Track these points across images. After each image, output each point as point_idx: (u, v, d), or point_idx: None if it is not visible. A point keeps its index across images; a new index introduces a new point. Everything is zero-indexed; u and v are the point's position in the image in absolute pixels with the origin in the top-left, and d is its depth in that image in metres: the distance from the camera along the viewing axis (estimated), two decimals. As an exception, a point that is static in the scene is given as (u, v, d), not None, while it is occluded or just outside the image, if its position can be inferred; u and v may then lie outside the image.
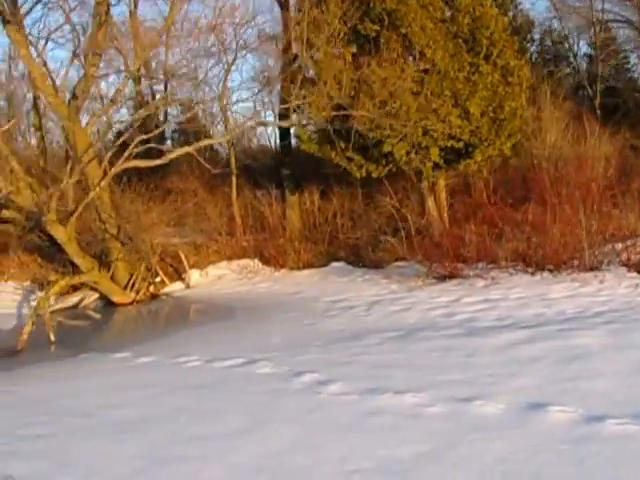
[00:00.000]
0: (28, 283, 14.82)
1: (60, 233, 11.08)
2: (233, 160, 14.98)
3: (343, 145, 12.11)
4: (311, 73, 12.16)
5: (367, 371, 5.87)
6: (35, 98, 14.10)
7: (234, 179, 14.99)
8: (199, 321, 10.21)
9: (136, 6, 14.60)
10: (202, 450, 4.30)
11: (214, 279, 13.58)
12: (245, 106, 35.70)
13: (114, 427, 4.91)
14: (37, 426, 5.08)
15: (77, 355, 8.24)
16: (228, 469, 3.99)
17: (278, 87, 13.34)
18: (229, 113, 14.94)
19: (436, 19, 11.29)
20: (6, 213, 11.93)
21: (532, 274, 10.19)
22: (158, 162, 11.60)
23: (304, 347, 7.34)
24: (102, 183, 11.06)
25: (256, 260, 14.00)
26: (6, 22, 10.70)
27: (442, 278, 10.79)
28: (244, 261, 14.01)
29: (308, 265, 13.45)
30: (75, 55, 11.57)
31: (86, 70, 11.11)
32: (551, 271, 10.14)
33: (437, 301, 9.27)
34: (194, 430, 4.68)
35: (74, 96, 11.43)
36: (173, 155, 11.51)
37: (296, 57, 11.56)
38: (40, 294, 10.88)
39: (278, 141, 16.07)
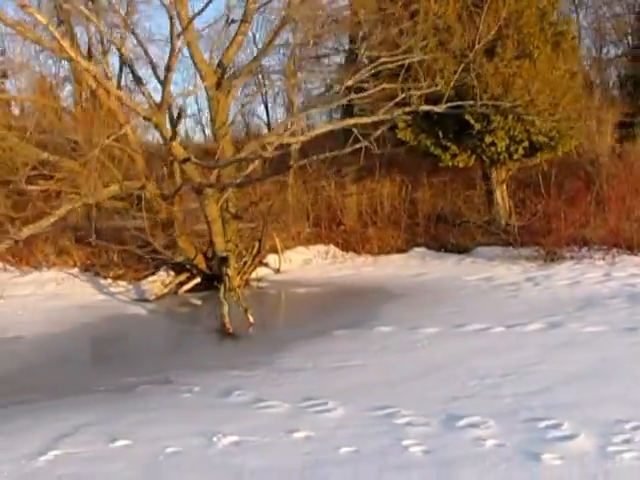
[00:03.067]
0: (76, 269, 14.33)
1: (213, 210, 11.16)
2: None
3: (441, 134, 13.38)
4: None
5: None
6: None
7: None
8: (375, 299, 10.82)
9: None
10: None
11: (300, 264, 14.09)
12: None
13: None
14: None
15: (329, 333, 8.70)
16: None
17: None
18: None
19: (544, 23, 12.94)
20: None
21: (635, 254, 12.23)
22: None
23: (552, 313, 8.59)
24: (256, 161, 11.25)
25: (331, 245, 14.72)
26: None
27: (551, 259, 12.48)
28: (320, 247, 14.66)
29: (385, 251, 14.46)
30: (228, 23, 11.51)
31: (236, 39, 11.15)
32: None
33: (591, 276, 10.91)
34: None
35: (219, 64, 11.48)
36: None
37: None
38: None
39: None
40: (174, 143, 10.73)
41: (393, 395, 5.87)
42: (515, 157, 13.63)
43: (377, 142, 11.52)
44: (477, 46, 11.14)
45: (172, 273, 13.82)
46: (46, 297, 12.73)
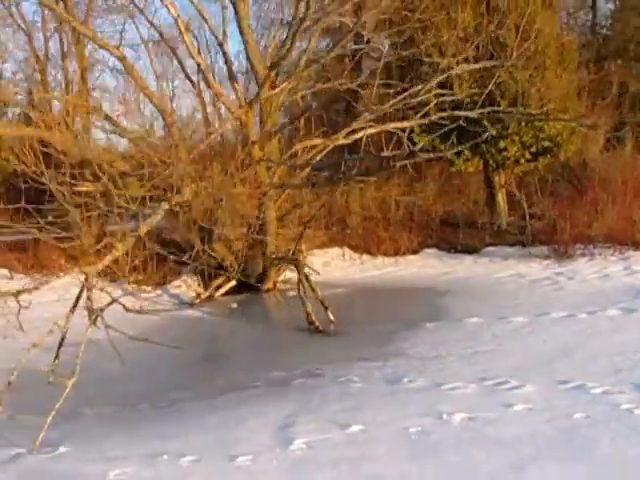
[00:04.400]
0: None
1: (272, 212, 11.51)
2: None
3: (455, 139, 14.38)
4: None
5: None
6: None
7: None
8: (425, 295, 11.53)
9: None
10: None
11: (320, 266, 14.57)
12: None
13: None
14: None
15: (420, 325, 9.38)
16: None
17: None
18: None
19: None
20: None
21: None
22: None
23: (615, 301, 9.71)
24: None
25: (345, 248, 15.35)
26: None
27: (565, 257, 13.72)
28: (334, 249, 15.25)
29: (400, 252, 15.24)
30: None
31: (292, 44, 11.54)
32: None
33: (615, 270, 12.20)
34: None
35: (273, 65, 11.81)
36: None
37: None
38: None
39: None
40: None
41: (562, 371, 6.63)
42: (521, 161, 14.84)
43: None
44: (514, 55, 12.15)
45: (195, 278, 14.06)
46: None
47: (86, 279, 7.00)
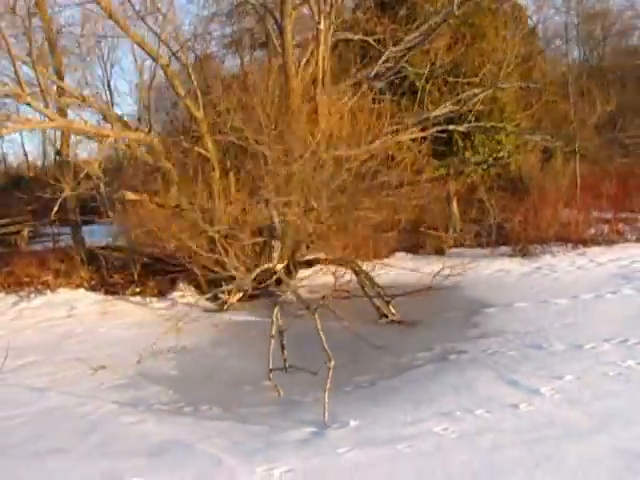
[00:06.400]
0: (82, 290, 14.21)
1: None
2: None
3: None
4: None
5: None
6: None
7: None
8: (444, 290, 13.07)
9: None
10: None
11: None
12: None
13: None
14: None
15: (480, 312, 11.07)
16: None
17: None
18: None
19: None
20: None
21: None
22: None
23: (616, 284, 12.17)
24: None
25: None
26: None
27: (525, 255, 16.18)
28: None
29: (373, 256, 16.81)
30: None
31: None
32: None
33: (580, 263, 14.79)
34: None
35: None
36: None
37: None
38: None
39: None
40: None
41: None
42: (478, 171, 17.18)
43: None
44: (502, 74, 14.34)
45: (191, 286, 14.66)
46: (96, 318, 12.70)
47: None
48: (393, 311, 11.43)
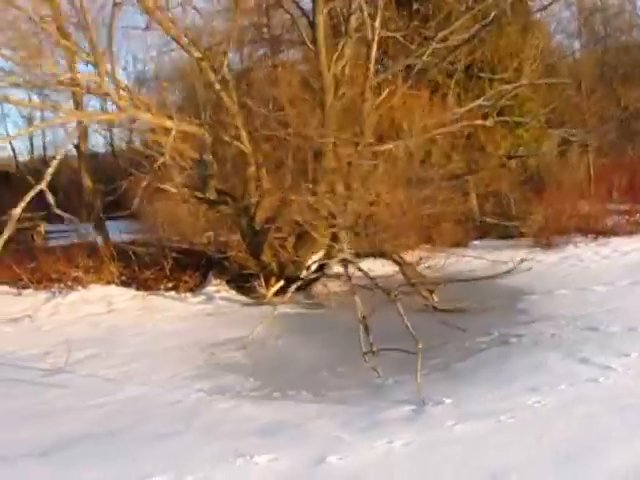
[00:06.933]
0: (112, 286, 14.40)
1: None
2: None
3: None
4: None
5: None
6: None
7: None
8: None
9: None
10: None
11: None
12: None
13: None
14: None
15: (522, 297, 11.50)
16: None
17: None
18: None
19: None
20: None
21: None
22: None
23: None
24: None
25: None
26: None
27: (548, 246, 16.65)
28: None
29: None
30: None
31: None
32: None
33: (605, 252, 15.30)
34: None
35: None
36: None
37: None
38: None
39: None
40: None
41: None
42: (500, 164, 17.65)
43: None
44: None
45: (223, 281, 14.97)
46: (138, 313, 12.95)
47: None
48: (436, 299, 11.81)
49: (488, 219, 16.96)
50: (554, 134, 17.07)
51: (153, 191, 13.71)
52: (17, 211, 9.38)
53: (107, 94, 10.27)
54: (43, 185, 10.14)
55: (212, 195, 12.97)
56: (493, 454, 5.33)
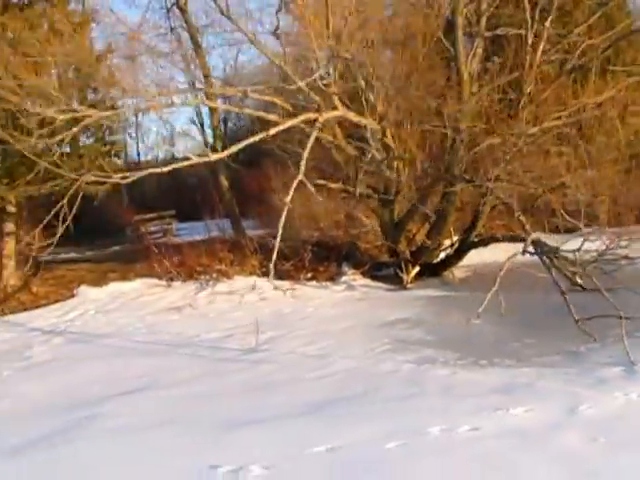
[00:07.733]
0: (254, 277, 15.48)
1: None
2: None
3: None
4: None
5: None
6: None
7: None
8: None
9: None
10: None
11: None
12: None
13: None
14: None
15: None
16: None
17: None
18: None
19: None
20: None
21: None
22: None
23: None
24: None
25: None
26: None
27: None
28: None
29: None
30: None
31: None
32: None
33: None
34: None
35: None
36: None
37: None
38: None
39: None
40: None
41: None
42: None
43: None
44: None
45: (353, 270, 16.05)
46: (291, 300, 14.03)
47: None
48: (580, 281, 12.57)
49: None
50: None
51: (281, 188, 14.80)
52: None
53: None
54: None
55: (362, 189, 13.96)
56: None
